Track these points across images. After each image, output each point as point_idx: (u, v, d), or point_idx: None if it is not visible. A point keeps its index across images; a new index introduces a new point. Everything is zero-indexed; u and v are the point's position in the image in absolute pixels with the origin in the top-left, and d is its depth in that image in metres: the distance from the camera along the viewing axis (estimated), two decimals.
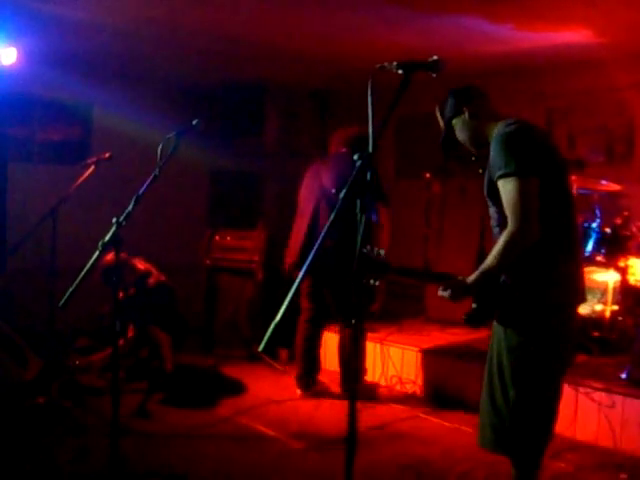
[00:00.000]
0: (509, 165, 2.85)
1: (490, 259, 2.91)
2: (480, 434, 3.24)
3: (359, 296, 2.49)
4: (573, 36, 5.99)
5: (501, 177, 2.88)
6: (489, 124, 3.14)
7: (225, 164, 8.69)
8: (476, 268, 2.98)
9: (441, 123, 3.32)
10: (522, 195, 2.82)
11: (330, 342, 6.70)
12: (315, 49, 6.84)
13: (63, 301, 3.32)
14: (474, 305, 2.98)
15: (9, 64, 6.07)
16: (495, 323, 3.17)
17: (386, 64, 2.62)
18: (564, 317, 3.06)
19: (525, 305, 2.96)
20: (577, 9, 5.37)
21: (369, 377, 5.96)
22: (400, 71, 2.59)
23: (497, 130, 3.05)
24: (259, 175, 9.13)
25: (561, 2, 5.23)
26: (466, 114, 3.19)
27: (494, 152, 2.96)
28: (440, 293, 2.99)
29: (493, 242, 3.10)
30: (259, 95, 8.77)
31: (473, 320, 3.00)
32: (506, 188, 2.87)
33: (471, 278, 2.94)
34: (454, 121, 3.25)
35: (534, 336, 2.99)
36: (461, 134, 3.26)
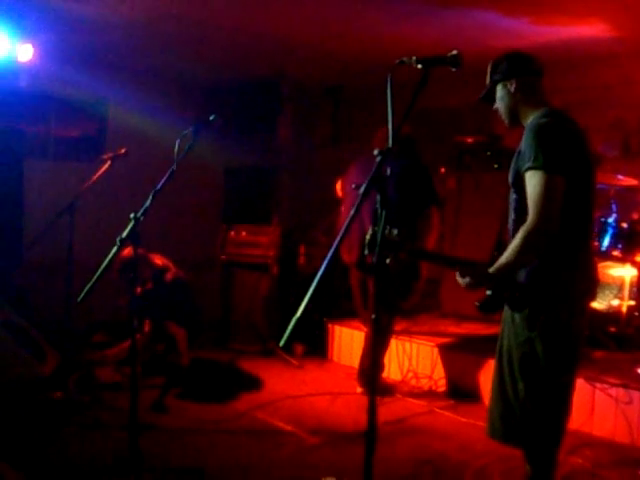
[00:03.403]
0: (538, 159, 2.84)
1: (509, 253, 2.89)
2: (489, 424, 3.24)
3: (381, 289, 2.48)
4: (589, 30, 5.97)
5: (529, 169, 2.87)
6: (528, 107, 3.11)
7: (240, 160, 8.70)
8: (493, 260, 2.98)
9: (487, 79, 3.26)
10: (547, 191, 2.81)
11: (345, 337, 6.74)
12: (330, 45, 6.84)
13: (81, 297, 3.34)
14: (488, 292, 2.97)
15: (25, 61, 6.09)
16: (504, 316, 3.16)
17: (405, 59, 2.62)
18: (574, 312, 3.04)
19: (537, 296, 2.95)
20: (593, 3, 5.35)
21: (386, 372, 5.96)
22: (420, 66, 2.59)
23: (532, 118, 3.03)
24: (274, 170, 9.14)
25: None
26: (513, 85, 3.13)
27: (525, 142, 2.94)
28: (459, 279, 2.99)
29: (508, 230, 3.10)
30: (274, 91, 8.77)
31: (486, 307, 3.00)
32: (532, 182, 2.86)
33: (491, 270, 2.93)
34: (499, 86, 3.19)
35: (543, 331, 2.97)
36: (500, 102, 3.21)
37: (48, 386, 5.19)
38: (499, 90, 3.19)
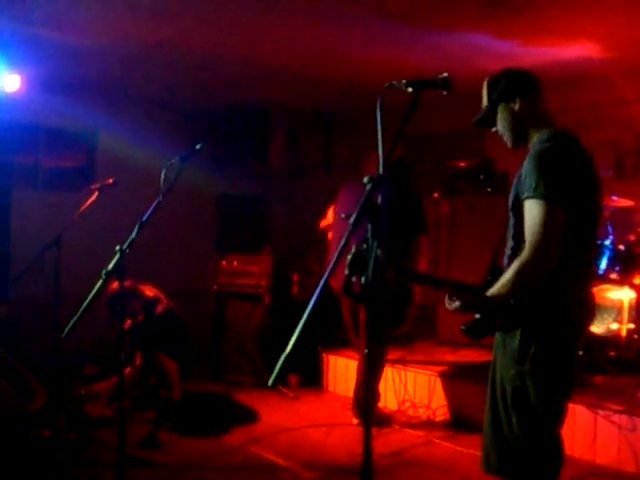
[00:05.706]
0: (539, 188, 2.69)
1: (502, 285, 2.77)
2: (484, 458, 3.11)
3: (372, 317, 2.38)
4: (581, 51, 5.95)
5: (528, 198, 2.74)
6: (533, 127, 2.96)
7: (231, 187, 8.64)
8: (486, 284, 2.87)
9: (484, 100, 3.08)
10: (546, 225, 2.67)
11: (340, 366, 6.63)
12: (320, 70, 6.80)
13: (67, 331, 3.24)
14: (477, 316, 2.85)
15: (13, 91, 6.04)
16: (495, 345, 3.05)
17: (395, 82, 2.53)
18: (567, 342, 2.90)
19: (527, 317, 2.83)
20: (584, 24, 5.32)
21: (382, 402, 5.85)
22: (410, 89, 2.50)
23: (536, 140, 2.90)
24: (265, 198, 9.08)
25: (568, 17, 5.18)
26: (517, 105, 2.97)
27: (527, 168, 2.80)
28: (447, 303, 2.88)
29: (505, 255, 2.99)
30: (263, 117, 8.73)
31: (473, 332, 2.87)
32: (532, 213, 2.73)
33: (483, 298, 2.82)
34: (500, 106, 3.02)
35: (533, 365, 2.84)
36: (502, 123, 3.03)
37: (36, 423, 5.06)
38: (500, 111, 3.03)
